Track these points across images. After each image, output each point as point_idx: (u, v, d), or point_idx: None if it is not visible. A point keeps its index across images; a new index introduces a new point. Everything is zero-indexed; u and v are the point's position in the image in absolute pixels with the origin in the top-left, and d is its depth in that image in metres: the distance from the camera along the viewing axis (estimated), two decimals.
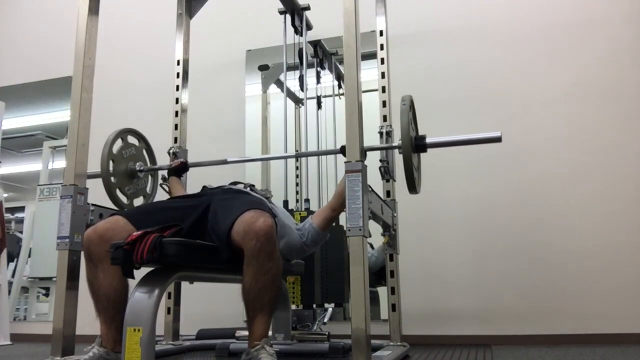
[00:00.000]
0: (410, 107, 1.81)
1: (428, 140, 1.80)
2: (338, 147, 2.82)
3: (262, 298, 1.51)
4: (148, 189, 2.43)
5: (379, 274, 2.53)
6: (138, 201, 2.36)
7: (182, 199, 1.93)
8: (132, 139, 2.36)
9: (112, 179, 2.19)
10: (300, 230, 1.96)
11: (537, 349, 2.35)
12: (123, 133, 2.29)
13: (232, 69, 3.40)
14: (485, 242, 2.74)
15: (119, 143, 2.26)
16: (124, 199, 2.25)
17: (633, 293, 2.51)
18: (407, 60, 2.99)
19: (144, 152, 2.42)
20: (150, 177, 2.46)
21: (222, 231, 1.56)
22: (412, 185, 1.80)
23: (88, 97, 2.01)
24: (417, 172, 1.97)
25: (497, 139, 1.77)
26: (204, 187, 2.05)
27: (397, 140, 1.76)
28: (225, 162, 2.38)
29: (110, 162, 2.18)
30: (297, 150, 3.01)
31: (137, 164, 2.33)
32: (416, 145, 1.79)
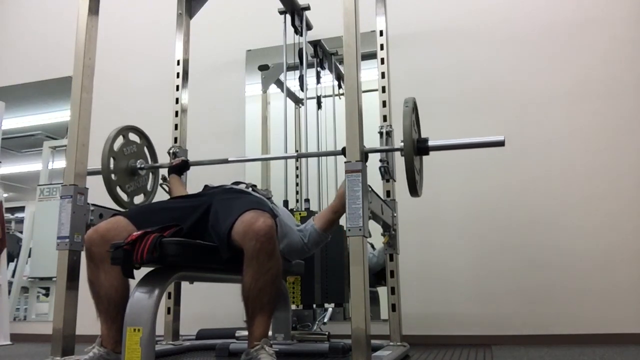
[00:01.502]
0: (413, 110, 1.80)
1: (430, 143, 1.79)
2: (338, 147, 2.83)
3: (261, 298, 1.51)
4: (149, 187, 2.43)
5: (379, 275, 2.53)
6: (138, 199, 2.36)
7: (184, 199, 1.93)
8: (133, 137, 2.36)
9: (113, 176, 2.19)
10: (301, 231, 1.95)
11: (537, 349, 2.35)
12: (124, 130, 2.29)
13: (232, 69, 3.40)
14: (485, 242, 2.74)
15: (120, 140, 2.26)
16: (124, 197, 2.25)
17: (633, 293, 2.51)
18: (407, 60, 2.99)
19: (145, 149, 2.42)
20: (151, 175, 2.46)
21: (222, 231, 1.57)
22: (414, 188, 1.79)
23: (88, 97, 2.01)
24: (419, 175, 1.96)
25: (500, 143, 1.76)
26: (206, 186, 2.05)
27: (398, 142, 1.75)
28: (226, 161, 2.38)
29: (111, 160, 2.18)
30: (297, 151, 3.02)
31: (138, 161, 2.33)
32: (418, 148, 1.78)
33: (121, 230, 1.57)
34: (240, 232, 1.51)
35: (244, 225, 1.52)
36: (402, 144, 1.71)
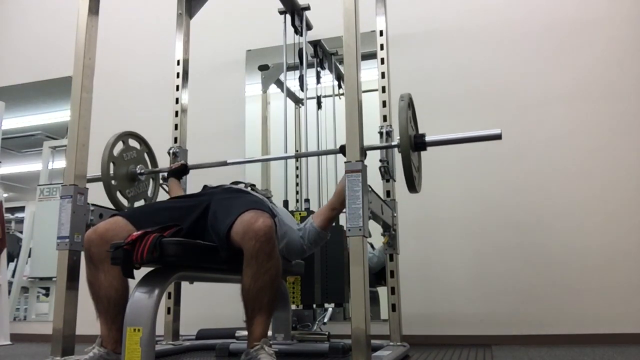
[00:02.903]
0: (409, 105, 1.80)
1: (428, 138, 1.78)
2: (338, 144, 2.83)
3: (261, 298, 1.51)
4: (149, 192, 2.43)
5: (379, 274, 2.54)
6: (139, 204, 2.35)
7: (183, 199, 1.93)
8: (133, 142, 2.35)
9: (113, 181, 2.19)
10: (300, 230, 1.95)
11: (537, 349, 2.35)
12: (124, 136, 2.28)
13: (232, 69, 3.40)
14: (485, 242, 2.74)
15: (120, 146, 2.25)
16: (124, 202, 2.25)
17: (633, 293, 2.51)
18: (407, 60, 2.99)
19: (145, 155, 2.42)
20: (151, 180, 2.45)
21: (221, 231, 1.56)
22: (412, 185, 1.79)
23: (88, 97, 2.01)
24: (417, 172, 1.96)
25: (497, 137, 1.76)
26: (205, 186, 2.05)
27: (396, 139, 1.75)
28: (225, 163, 2.37)
29: (111, 165, 2.17)
30: (297, 150, 3.02)
31: (138, 166, 2.33)
32: (415, 143, 1.78)
33: (120, 231, 1.57)
34: (240, 232, 1.51)
35: (243, 225, 1.51)
36: (399, 140, 1.71)
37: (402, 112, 1.74)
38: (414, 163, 1.81)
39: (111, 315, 1.55)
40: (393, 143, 1.84)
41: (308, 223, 1.95)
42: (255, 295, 1.51)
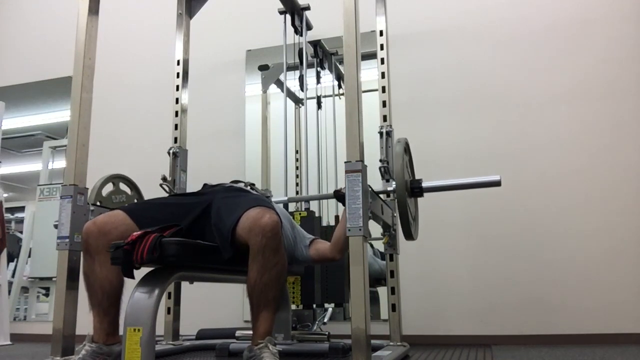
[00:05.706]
0: (405, 150, 1.78)
1: (425, 184, 1.77)
2: (338, 147, 2.84)
3: (266, 294, 1.51)
4: None
5: (378, 279, 2.54)
6: None
7: (184, 196, 1.93)
8: (123, 187, 2.28)
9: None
10: (295, 242, 1.98)
11: (537, 349, 2.35)
12: (114, 178, 2.22)
13: (232, 69, 3.40)
14: (486, 242, 2.74)
15: (109, 187, 2.18)
16: None
17: (633, 293, 2.51)
18: (407, 60, 2.99)
19: (135, 201, 2.33)
20: None
21: (226, 228, 1.56)
22: (408, 232, 1.76)
23: (88, 97, 2.01)
24: (414, 219, 1.93)
25: (497, 183, 1.76)
26: (205, 184, 2.05)
27: (392, 184, 1.74)
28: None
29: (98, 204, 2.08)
30: (297, 150, 3.02)
31: None
32: (412, 189, 1.77)
33: (119, 224, 1.57)
34: (246, 228, 1.51)
35: (250, 221, 1.52)
36: (395, 186, 1.70)
37: (398, 158, 1.72)
38: (410, 209, 1.78)
39: (104, 307, 1.55)
40: (389, 189, 1.82)
41: (305, 248, 1.98)
42: (261, 291, 1.51)
